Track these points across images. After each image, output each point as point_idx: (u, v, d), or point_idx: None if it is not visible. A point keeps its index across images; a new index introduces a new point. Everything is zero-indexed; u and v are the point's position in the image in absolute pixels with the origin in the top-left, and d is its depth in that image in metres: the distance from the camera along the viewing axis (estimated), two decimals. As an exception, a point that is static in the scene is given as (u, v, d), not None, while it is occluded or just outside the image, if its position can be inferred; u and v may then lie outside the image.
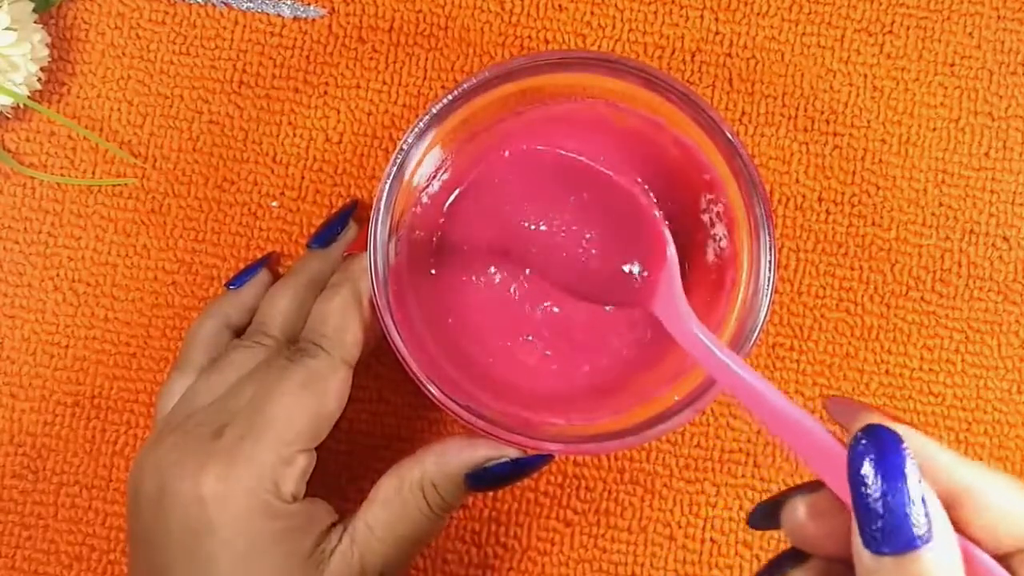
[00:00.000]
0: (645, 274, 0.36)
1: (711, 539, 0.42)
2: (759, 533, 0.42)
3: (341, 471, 0.42)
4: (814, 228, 0.42)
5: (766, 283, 0.35)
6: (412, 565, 0.41)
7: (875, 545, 0.24)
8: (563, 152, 0.36)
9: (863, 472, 0.25)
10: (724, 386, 0.31)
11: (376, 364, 0.42)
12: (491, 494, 0.42)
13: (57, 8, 0.42)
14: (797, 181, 0.42)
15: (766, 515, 0.30)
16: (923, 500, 0.24)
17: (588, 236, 0.37)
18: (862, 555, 0.25)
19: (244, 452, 0.32)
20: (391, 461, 0.36)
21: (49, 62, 0.42)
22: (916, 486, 0.24)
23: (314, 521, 0.34)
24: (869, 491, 0.25)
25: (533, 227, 0.37)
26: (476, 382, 0.37)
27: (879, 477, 0.25)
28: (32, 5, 0.40)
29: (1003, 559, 0.26)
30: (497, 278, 0.38)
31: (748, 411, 0.29)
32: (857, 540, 0.25)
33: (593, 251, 0.37)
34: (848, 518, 0.25)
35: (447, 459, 0.35)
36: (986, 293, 0.42)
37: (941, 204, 0.42)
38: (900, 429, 0.26)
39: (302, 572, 0.33)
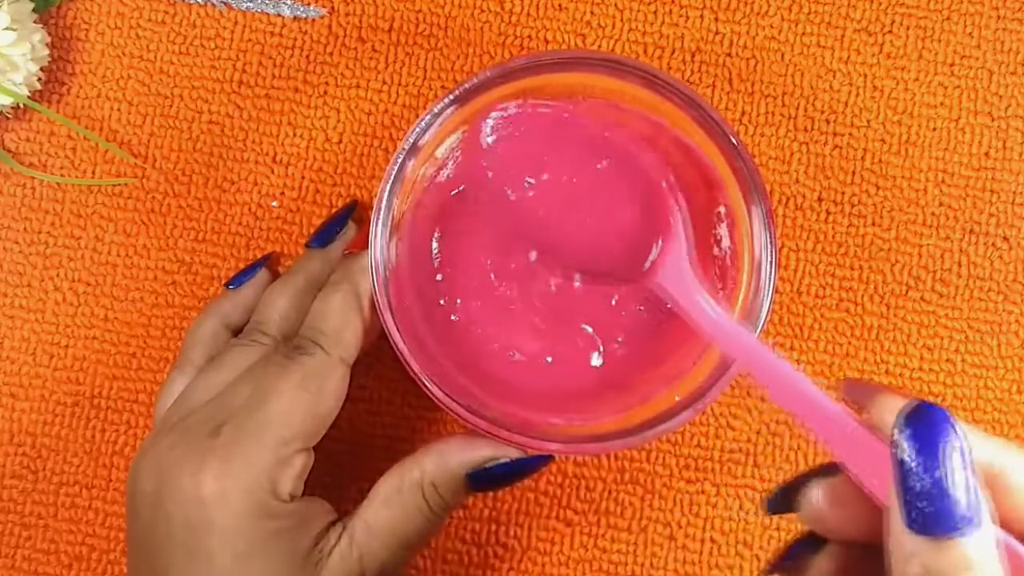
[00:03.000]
0: (654, 247, 0.35)
1: (711, 539, 0.42)
2: (758, 532, 0.42)
3: (341, 471, 0.42)
4: (814, 228, 0.42)
5: (767, 283, 0.35)
6: (412, 565, 0.41)
7: (920, 527, 0.23)
8: (566, 115, 0.35)
9: (911, 450, 0.24)
10: (736, 359, 0.30)
11: (376, 364, 0.42)
12: (491, 494, 0.42)
13: (57, 8, 0.42)
14: (797, 181, 0.42)
15: (783, 499, 0.29)
16: (973, 484, 0.24)
17: (595, 208, 0.36)
18: (902, 538, 0.24)
19: (242, 451, 0.32)
20: (391, 461, 0.36)
21: (49, 62, 0.42)
22: (968, 467, 0.24)
23: (312, 520, 0.34)
24: (917, 470, 0.24)
25: (538, 205, 0.36)
26: (477, 382, 0.37)
27: (929, 455, 0.24)
28: (32, 5, 0.40)
29: None
30: (498, 278, 0.38)
31: (761, 387, 0.29)
32: (897, 521, 0.24)
33: (601, 224, 0.36)
34: (868, 503, 0.25)
35: (447, 459, 0.35)
36: (986, 293, 0.42)
37: (941, 204, 0.42)
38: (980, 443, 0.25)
39: (301, 571, 0.33)
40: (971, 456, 0.24)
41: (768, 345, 0.29)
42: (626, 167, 0.35)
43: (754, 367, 0.29)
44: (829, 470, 0.27)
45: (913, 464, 0.24)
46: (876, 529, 0.25)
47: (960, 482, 0.23)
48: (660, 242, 0.35)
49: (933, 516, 0.23)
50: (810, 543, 0.29)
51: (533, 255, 0.38)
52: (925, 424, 0.24)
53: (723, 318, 0.31)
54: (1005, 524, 0.25)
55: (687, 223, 0.35)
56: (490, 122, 0.36)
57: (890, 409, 0.25)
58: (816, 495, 0.27)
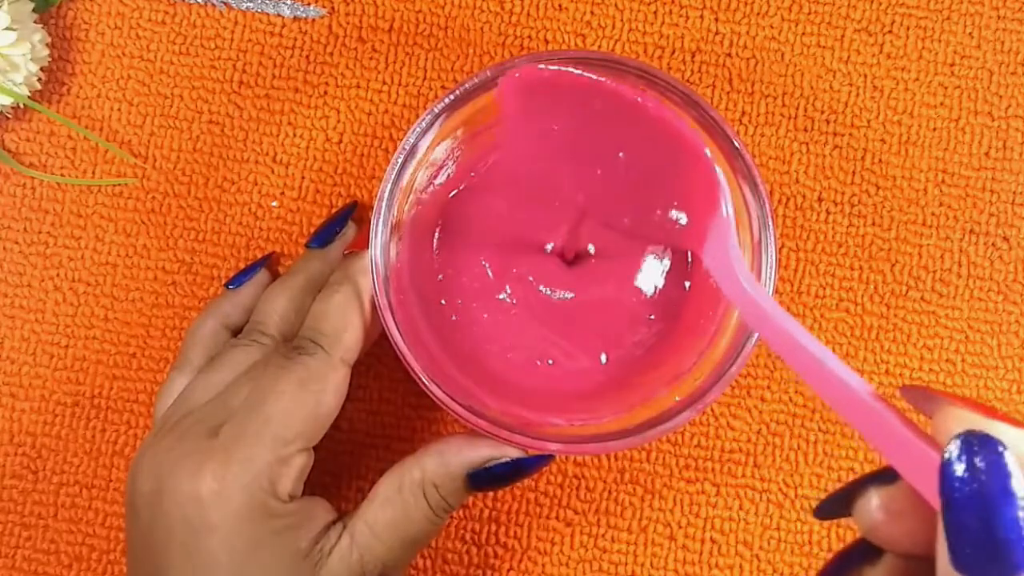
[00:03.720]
0: (693, 219, 0.32)
1: (711, 539, 0.42)
2: (758, 532, 0.42)
3: (341, 471, 0.42)
4: (814, 228, 0.42)
5: (767, 284, 0.35)
6: (412, 564, 0.41)
7: (970, 570, 0.21)
8: (592, 77, 0.32)
9: (961, 484, 0.22)
10: (778, 351, 0.27)
11: (376, 364, 0.42)
12: (491, 494, 0.42)
13: (57, 8, 0.42)
14: (797, 181, 0.42)
15: (836, 505, 0.27)
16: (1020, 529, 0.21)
17: (625, 169, 0.34)
18: (946, 569, 0.22)
19: (241, 451, 0.32)
20: (391, 461, 0.36)
21: (49, 62, 0.42)
22: (1020, 508, 0.21)
23: (312, 519, 0.34)
24: (964, 510, 0.21)
25: (559, 170, 0.35)
26: (477, 382, 0.37)
27: (978, 495, 0.21)
28: (32, 5, 0.40)
29: None
30: (499, 278, 0.38)
31: (807, 385, 0.27)
32: (944, 559, 0.22)
33: (632, 182, 0.34)
34: (929, 515, 0.23)
35: (448, 459, 0.35)
36: (986, 293, 0.42)
37: (941, 204, 0.42)
38: (998, 430, 0.22)
39: (301, 570, 0.33)
40: (1020, 498, 0.21)
41: (820, 343, 0.27)
42: (670, 132, 0.32)
43: (799, 366, 0.27)
44: (887, 475, 0.25)
45: (958, 501, 0.22)
46: (930, 541, 0.23)
47: (1010, 524, 0.21)
48: (701, 216, 0.32)
49: (980, 560, 0.21)
50: (864, 551, 0.26)
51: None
52: (973, 456, 0.22)
53: (773, 307, 0.28)
54: None
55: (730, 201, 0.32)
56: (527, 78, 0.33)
57: (955, 420, 0.23)
58: (874, 502, 0.25)
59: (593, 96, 0.32)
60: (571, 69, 0.32)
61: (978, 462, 0.21)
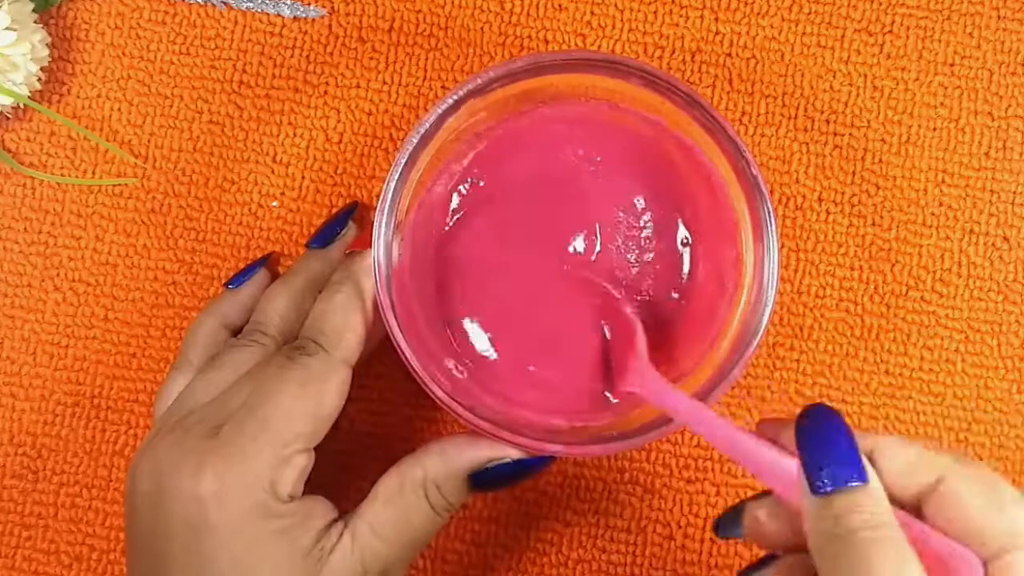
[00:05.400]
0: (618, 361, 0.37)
1: (711, 539, 0.42)
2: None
3: (341, 471, 0.42)
4: (814, 228, 0.42)
5: (769, 284, 0.35)
6: (412, 564, 0.41)
7: (820, 487, 0.29)
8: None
9: (807, 437, 0.30)
10: (686, 424, 0.34)
11: (376, 364, 0.42)
12: (491, 494, 0.42)
13: (57, 8, 0.42)
14: (797, 181, 0.42)
15: (729, 522, 0.34)
16: (855, 453, 0.30)
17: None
18: (812, 505, 0.29)
19: (241, 451, 0.32)
20: (391, 461, 0.36)
21: (49, 62, 0.42)
22: (851, 440, 0.30)
23: (313, 518, 0.34)
24: (815, 447, 0.30)
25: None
26: (479, 382, 0.37)
27: (819, 437, 0.30)
28: (32, 5, 0.40)
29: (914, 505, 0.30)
30: (500, 278, 0.38)
31: (709, 441, 0.33)
32: (808, 497, 0.29)
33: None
34: (795, 516, 0.30)
35: (449, 459, 0.35)
36: (986, 293, 0.42)
37: (941, 204, 0.42)
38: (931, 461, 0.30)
39: (302, 569, 0.33)
40: (848, 430, 0.30)
41: (706, 408, 0.33)
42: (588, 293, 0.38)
43: (706, 432, 0.33)
44: (763, 495, 0.33)
45: (811, 442, 0.30)
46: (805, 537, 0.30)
47: (843, 447, 0.29)
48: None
49: (831, 474, 0.29)
50: (758, 566, 0.34)
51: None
52: (817, 414, 0.31)
53: (682, 399, 0.34)
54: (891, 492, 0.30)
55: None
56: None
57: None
58: (757, 513, 0.32)
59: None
60: None
61: (820, 417, 0.30)
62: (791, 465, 0.30)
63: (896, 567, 0.27)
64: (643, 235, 0.38)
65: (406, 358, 0.34)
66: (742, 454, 0.32)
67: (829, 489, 0.29)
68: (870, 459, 0.30)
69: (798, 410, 0.31)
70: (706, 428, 0.33)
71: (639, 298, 0.38)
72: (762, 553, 0.34)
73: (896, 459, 0.31)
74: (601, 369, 0.38)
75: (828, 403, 0.31)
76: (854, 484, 0.29)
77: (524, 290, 0.38)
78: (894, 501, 0.29)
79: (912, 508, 0.30)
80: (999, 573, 0.28)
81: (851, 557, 0.28)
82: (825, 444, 0.30)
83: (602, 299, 0.38)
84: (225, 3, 0.42)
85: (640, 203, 0.38)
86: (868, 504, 0.29)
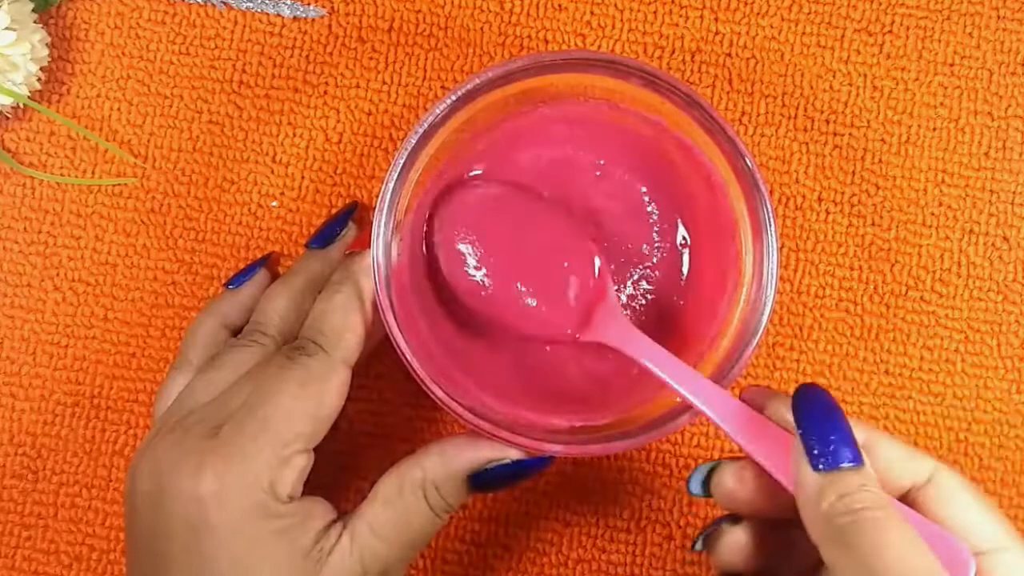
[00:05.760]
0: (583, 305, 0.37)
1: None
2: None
3: (341, 471, 0.42)
4: (814, 228, 0.42)
5: (768, 283, 0.35)
6: (412, 564, 0.41)
7: (822, 465, 0.30)
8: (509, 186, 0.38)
9: (809, 413, 0.31)
10: (672, 388, 0.34)
11: (376, 364, 0.42)
12: (491, 494, 0.42)
13: (57, 8, 0.42)
14: (797, 181, 0.42)
15: (701, 484, 0.34)
16: (852, 434, 0.30)
17: (534, 273, 0.38)
18: (811, 481, 0.30)
19: (241, 451, 0.32)
20: (391, 461, 0.36)
21: (49, 62, 0.42)
22: (846, 421, 0.31)
23: (312, 519, 0.34)
24: (816, 424, 0.30)
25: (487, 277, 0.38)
26: (479, 382, 0.37)
27: (821, 415, 0.31)
28: (32, 5, 0.40)
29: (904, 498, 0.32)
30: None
31: (685, 400, 0.34)
32: (806, 472, 0.30)
33: (538, 288, 0.38)
34: (767, 482, 0.32)
35: (449, 460, 0.35)
36: (986, 293, 0.42)
37: (941, 204, 0.42)
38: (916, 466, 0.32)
39: (301, 570, 0.33)
40: (844, 413, 0.31)
41: (684, 366, 0.34)
42: (558, 226, 0.38)
43: (688, 392, 0.34)
44: (734, 459, 0.34)
45: (809, 421, 0.31)
46: (775, 505, 0.32)
47: (844, 429, 0.30)
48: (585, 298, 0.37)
49: (834, 452, 0.30)
50: (728, 520, 0.34)
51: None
52: (812, 394, 0.31)
53: (663, 355, 0.35)
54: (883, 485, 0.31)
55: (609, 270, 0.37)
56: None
57: (784, 405, 0.32)
58: (726, 478, 0.33)
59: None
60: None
61: (815, 397, 0.31)
62: (778, 434, 0.32)
63: (910, 544, 0.28)
64: (643, 235, 0.38)
65: (406, 359, 0.34)
66: (720, 415, 0.33)
67: (831, 466, 0.29)
68: (864, 448, 0.31)
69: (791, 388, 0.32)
70: (681, 382, 0.34)
71: (639, 298, 0.38)
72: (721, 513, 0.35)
73: (891, 451, 0.32)
74: (605, 368, 0.38)
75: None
76: (855, 464, 0.30)
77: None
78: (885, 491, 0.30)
79: (902, 500, 0.31)
80: (991, 570, 0.30)
81: (863, 536, 0.28)
82: (826, 422, 0.30)
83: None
84: (225, 3, 0.42)
85: (640, 203, 0.38)
86: (870, 484, 0.29)
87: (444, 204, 0.38)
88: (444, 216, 0.38)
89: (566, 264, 0.37)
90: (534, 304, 0.37)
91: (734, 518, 0.34)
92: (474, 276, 0.37)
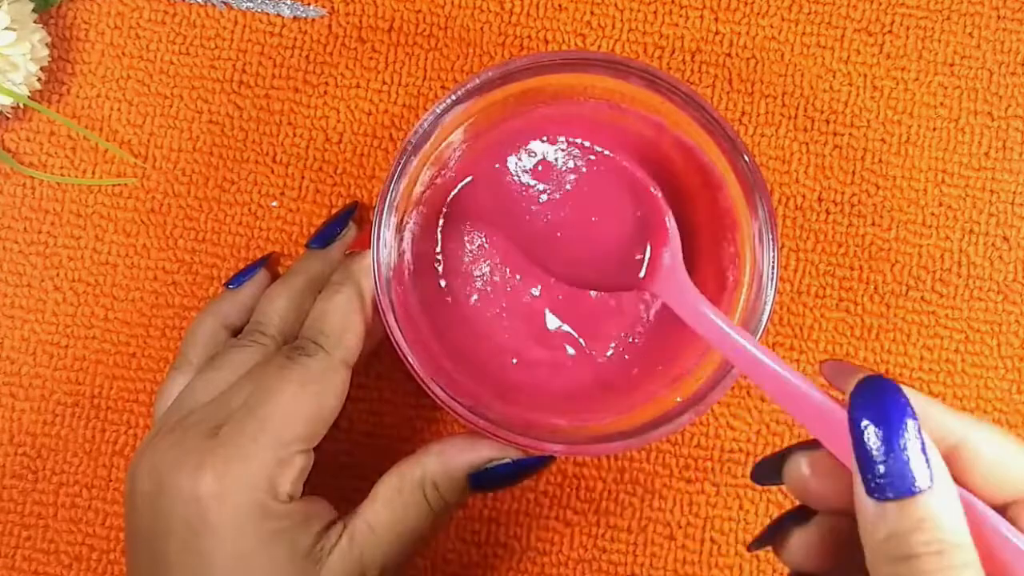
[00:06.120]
0: (647, 255, 0.36)
1: (711, 539, 0.42)
2: (758, 532, 0.42)
3: (341, 471, 0.42)
4: (814, 228, 0.42)
5: (768, 284, 0.35)
6: (412, 564, 0.41)
7: (878, 492, 0.25)
8: (560, 138, 0.37)
9: (864, 420, 0.26)
10: (728, 357, 0.32)
11: (376, 364, 0.42)
12: (491, 494, 0.42)
13: (57, 8, 0.42)
14: (797, 181, 0.42)
15: (769, 470, 0.30)
16: (923, 447, 0.25)
17: (590, 220, 0.37)
18: (865, 503, 0.25)
19: (240, 451, 0.32)
20: (391, 461, 0.36)
21: (49, 62, 0.42)
22: (916, 433, 0.25)
23: (312, 519, 0.34)
24: (870, 438, 0.25)
25: (535, 218, 0.37)
26: (479, 382, 0.37)
27: (880, 424, 0.25)
28: (32, 5, 0.40)
29: (1001, 510, 0.26)
30: (501, 278, 0.38)
31: (751, 380, 0.30)
32: (860, 489, 0.25)
33: (595, 236, 0.37)
34: (848, 475, 0.26)
35: (449, 459, 0.35)
36: (986, 293, 0.42)
37: (941, 204, 0.42)
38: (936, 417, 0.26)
39: (301, 570, 0.33)
40: (917, 422, 0.25)
41: (757, 344, 0.30)
42: (615, 178, 0.36)
43: (743, 365, 0.31)
44: (812, 443, 0.29)
45: (865, 432, 0.26)
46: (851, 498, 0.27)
47: (908, 446, 0.25)
48: (649, 249, 0.36)
49: (887, 481, 0.25)
50: (796, 518, 0.30)
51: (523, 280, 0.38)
52: (875, 394, 0.26)
53: (723, 322, 0.32)
54: (976, 494, 0.26)
55: (677, 233, 0.36)
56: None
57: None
58: (801, 465, 0.29)
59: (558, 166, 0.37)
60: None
61: (878, 398, 0.26)
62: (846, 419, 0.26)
63: None
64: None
65: (406, 359, 0.34)
66: (786, 394, 0.28)
67: (884, 496, 0.25)
68: (950, 453, 0.26)
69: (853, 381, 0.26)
70: (743, 356, 0.30)
71: (639, 297, 0.38)
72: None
73: (986, 460, 0.26)
74: (605, 368, 0.38)
75: (892, 377, 0.27)
76: (918, 490, 0.25)
77: (525, 289, 0.38)
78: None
79: (1001, 512, 0.26)
80: None
81: None
82: (887, 436, 0.25)
83: (608, 271, 0.38)
84: (225, 3, 0.42)
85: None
86: (932, 520, 0.24)
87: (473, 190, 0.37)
88: (501, 174, 0.37)
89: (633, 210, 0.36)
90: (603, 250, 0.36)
91: (801, 515, 0.30)
92: (536, 221, 0.37)
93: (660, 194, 0.36)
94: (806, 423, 0.28)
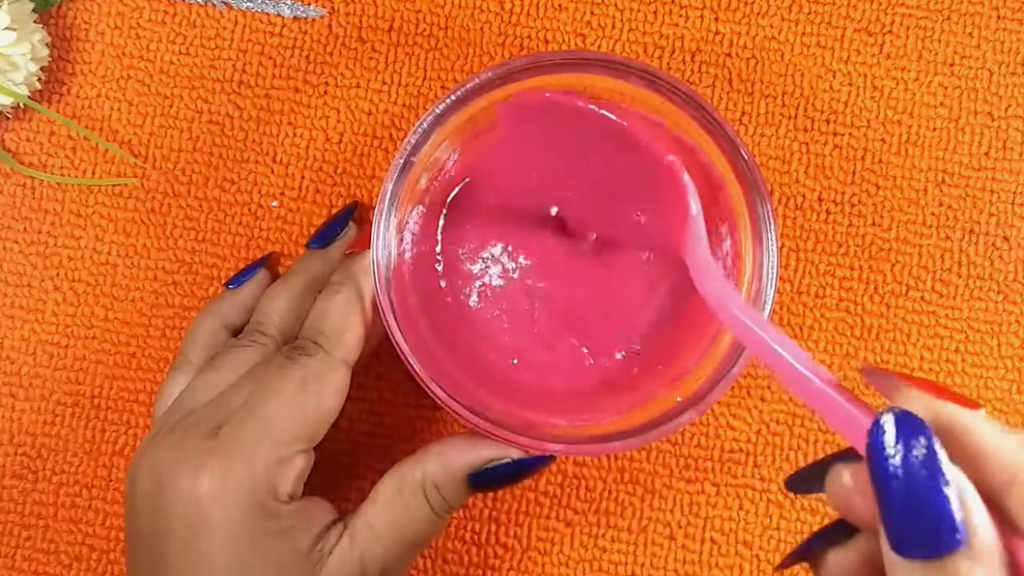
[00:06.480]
0: (669, 225, 0.35)
1: (711, 539, 0.42)
2: (758, 532, 0.42)
3: (341, 471, 0.42)
4: (814, 228, 0.42)
5: (768, 283, 0.35)
6: (412, 564, 0.41)
7: (903, 548, 0.22)
8: (578, 103, 0.35)
9: (885, 468, 0.22)
10: (748, 347, 0.30)
11: (376, 364, 0.42)
12: (491, 494, 0.42)
13: (57, 8, 0.42)
14: (797, 181, 0.42)
15: (808, 479, 0.28)
16: (957, 499, 0.21)
17: (609, 193, 0.36)
18: (890, 557, 0.22)
19: (240, 451, 0.32)
20: (391, 461, 0.36)
21: (49, 62, 0.42)
22: (947, 483, 0.21)
23: (312, 519, 0.34)
24: (892, 490, 0.22)
25: (549, 193, 0.37)
26: (479, 382, 0.37)
27: (904, 474, 0.22)
28: (32, 5, 0.40)
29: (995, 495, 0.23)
30: (501, 278, 0.38)
31: (771, 372, 0.27)
32: (884, 540, 0.22)
33: (615, 208, 0.37)
34: None
35: (449, 459, 0.35)
36: (986, 293, 0.42)
37: (941, 204, 0.42)
38: (936, 408, 0.23)
39: (301, 570, 0.33)
40: (953, 472, 0.21)
41: (783, 336, 0.28)
42: (640, 148, 0.35)
43: (765, 358, 0.28)
44: (856, 455, 0.25)
45: (886, 482, 0.22)
46: None
47: (940, 500, 0.21)
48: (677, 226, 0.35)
49: (911, 538, 0.21)
50: (828, 537, 0.27)
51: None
52: (899, 438, 0.22)
53: (742, 306, 0.30)
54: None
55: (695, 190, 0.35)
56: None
57: (906, 401, 0.24)
58: (843, 476, 0.25)
59: (583, 120, 0.35)
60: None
61: (902, 444, 0.21)
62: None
63: None
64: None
65: (407, 358, 0.34)
66: (819, 400, 0.25)
67: (913, 554, 0.21)
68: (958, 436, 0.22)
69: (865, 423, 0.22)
70: (768, 350, 0.26)
71: (638, 297, 0.38)
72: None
73: (993, 438, 0.23)
74: (605, 367, 0.38)
75: (917, 408, 0.22)
76: (948, 554, 0.21)
77: (525, 289, 0.38)
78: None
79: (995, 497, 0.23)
80: None
81: None
82: (908, 490, 0.21)
83: (605, 292, 0.38)
84: (225, 3, 0.42)
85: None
86: None
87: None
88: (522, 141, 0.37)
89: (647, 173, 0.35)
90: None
91: (835, 534, 0.27)
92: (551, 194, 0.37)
93: (680, 165, 0.35)
94: (842, 433, 0.25)
